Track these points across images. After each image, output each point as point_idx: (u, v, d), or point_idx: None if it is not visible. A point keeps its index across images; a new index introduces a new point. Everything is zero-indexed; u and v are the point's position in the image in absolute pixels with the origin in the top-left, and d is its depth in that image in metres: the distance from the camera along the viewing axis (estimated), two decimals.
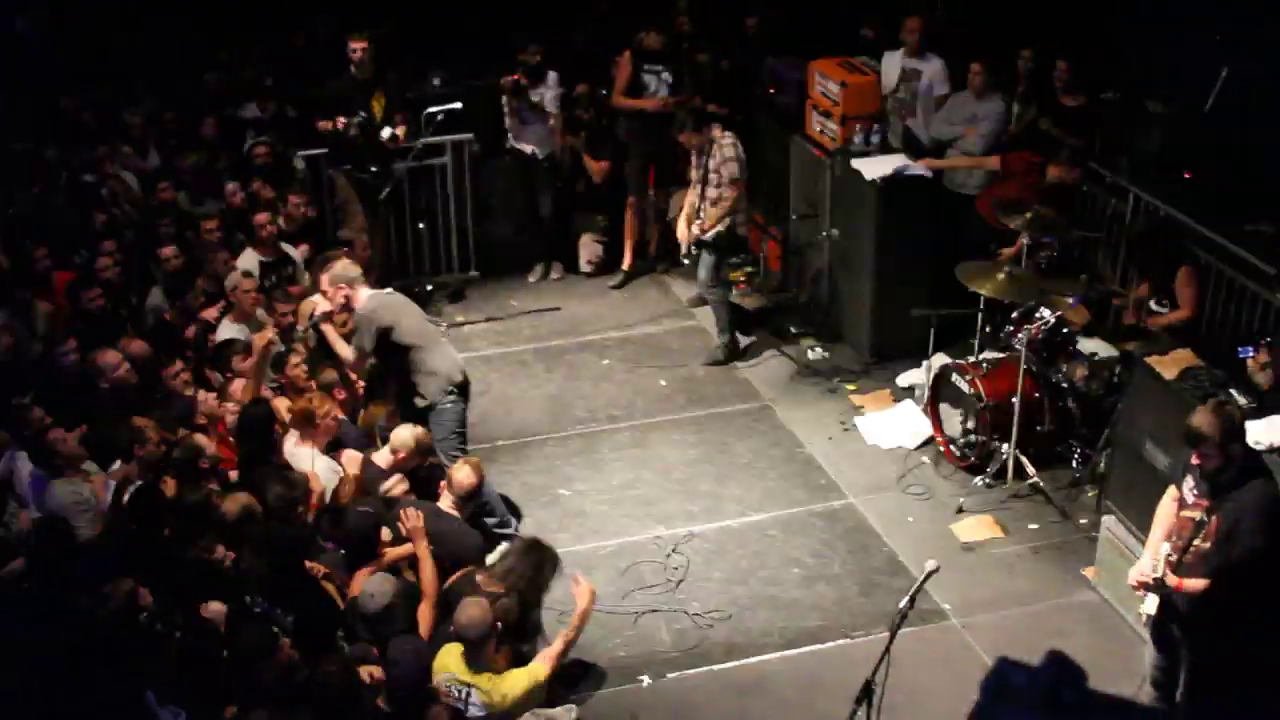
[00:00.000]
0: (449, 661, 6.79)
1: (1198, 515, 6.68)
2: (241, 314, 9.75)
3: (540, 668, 6.90)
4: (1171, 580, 6.65)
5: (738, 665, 8.13)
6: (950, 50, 11.53)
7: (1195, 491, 6.75)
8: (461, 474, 8.03)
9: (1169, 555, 6.76)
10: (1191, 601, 6.71)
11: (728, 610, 8.55)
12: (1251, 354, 8.40)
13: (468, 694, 6.68)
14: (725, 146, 10.67)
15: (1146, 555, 6.94)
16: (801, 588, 8.75)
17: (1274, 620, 6.81)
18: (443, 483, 8.17)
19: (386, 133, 11.40)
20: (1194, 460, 6.68)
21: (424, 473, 8.52)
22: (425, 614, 7.29)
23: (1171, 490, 6.99)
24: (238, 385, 8.92)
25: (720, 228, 10.80)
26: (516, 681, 6.78)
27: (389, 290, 9.37)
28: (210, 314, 9.83)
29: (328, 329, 9.13)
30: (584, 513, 9.50)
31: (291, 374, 9.15)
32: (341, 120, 11.37)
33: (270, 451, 8.32)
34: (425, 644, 6.88)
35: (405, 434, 8.34)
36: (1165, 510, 6.98)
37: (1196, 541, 6.65)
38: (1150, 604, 6.85)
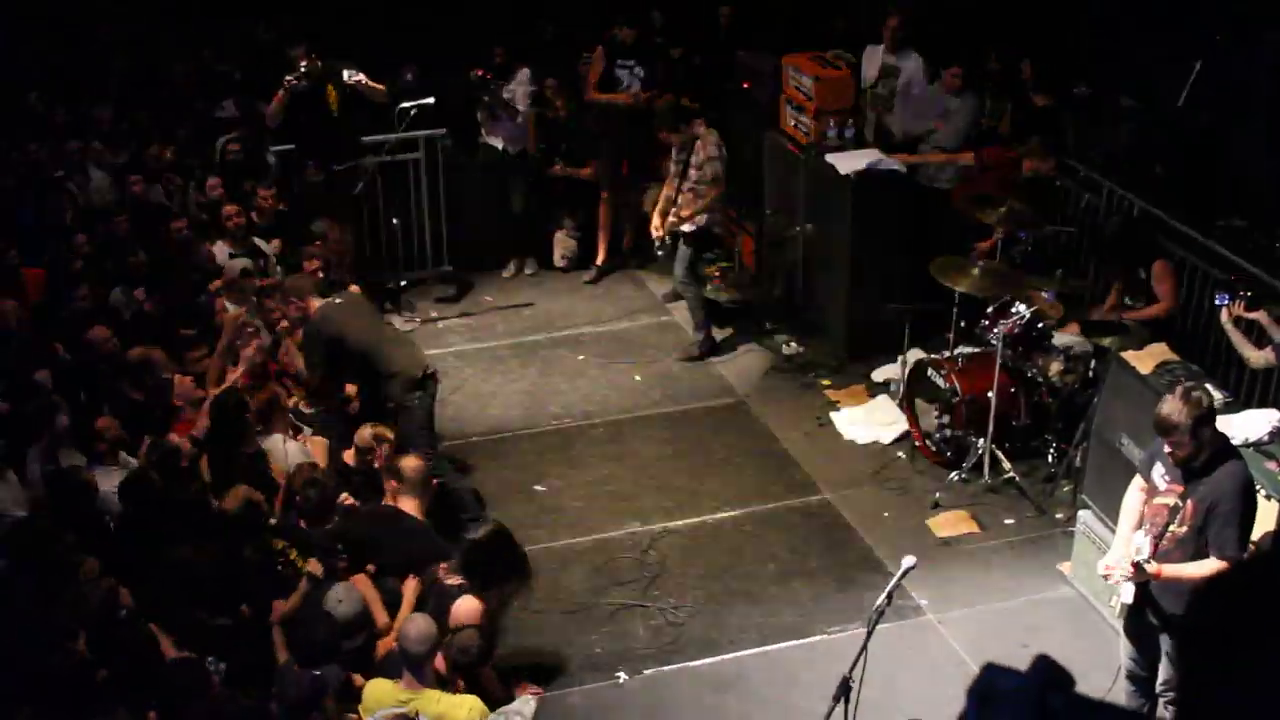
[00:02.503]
0: (379, 695, 6.54)
1: (1172, 501, 6.66)
2: (242, 300, 9.72)
3: (479, 703, 6.66)
4: (1152, 567, 6.61)
5: (714, 661, 8.11)
6: (924, 45, 11.54)
7: (1167, 478, 6.72)
8: (407, 461, 7.90)
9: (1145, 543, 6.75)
10: (1169, 589, 6.71)
11: (704, 606, 8.53)
12: (1227, 301, 8.40)
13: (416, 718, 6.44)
14: (710, 145, 10.66)
15: (1117, 546, 6.92)
16: (778, 583, 8.73)
17: (1252, 602, 6.81)
18: (391, 482, 7.97)
19: (348, 75, 11.03)
20: (1165, 448, 6.66)
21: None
22: (386, 642, 7.21)
23: (1137, 480, 6.96)
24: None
25: (697, 223, 10.79)
26: (462, 703, 6.57)
27: (338, 297, 9.19)
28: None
29: (289, 344, 9.08)
30: (559, 509, 9.46)
31: (284, 360, 9.12)
32: (289, 79, 11.08)
33: (242, 441, 8.20)
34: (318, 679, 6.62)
35: (365, 432, 8.31)
36: (1132, 500, 6.96)
37: (1173, 527, 6.64)
38: (1126, 593, 6.83)
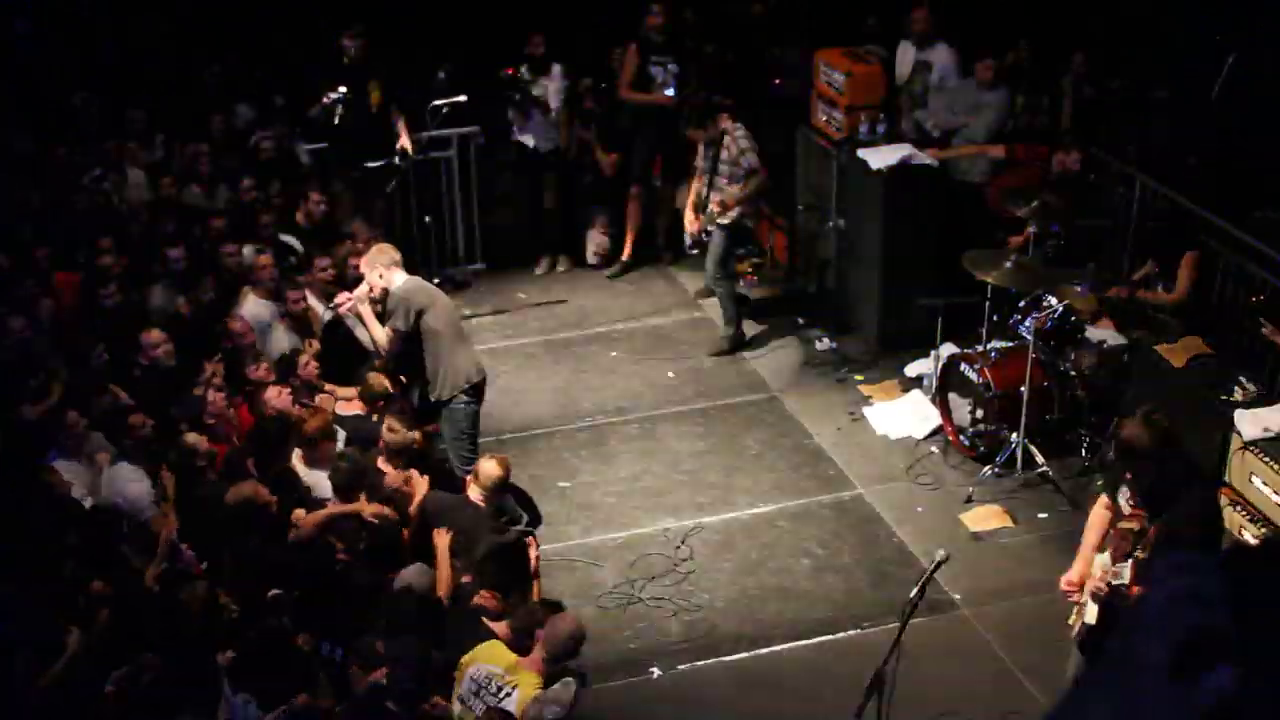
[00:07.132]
0: (494, 656, 6.64)
1: (1136, 525, 6.42)
2: (264, 290, 9.75)
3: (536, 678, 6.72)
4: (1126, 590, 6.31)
5: (748, 656, 8.13)
6: (955, 37, 11.51)
7: (1131, 502, 6.49)
8: (487, 466, 8.06)
9: (1110, 566, 6.44)
10: None
11: (737, 601, 8.54)
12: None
13: (507, 692, 6.48)
14: (740, 138, 10.67)
15: (1078, 564, 6.68)
16: (811, 578, 8.74)
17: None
18: (469, 476, 8.22)
19: (328, 97, 11.27)
20: (1125, 474, 6.45)
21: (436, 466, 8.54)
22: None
23: (1102, 499, 6.75)
24: (272, 393, 8.74)
25: (735, 213, 10.78)
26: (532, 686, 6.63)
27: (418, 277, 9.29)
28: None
29: (365, 310, 8.87)
30: (592, 505, 9.49)
31: (304, 374, 9.11)
32: (328, 97, 11.25)
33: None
34: (427, 648, 6.76)
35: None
36: (1097, 518, 6.74)
37: (1137, 553, 6.37)
38: (1090, 613, 6.58)
